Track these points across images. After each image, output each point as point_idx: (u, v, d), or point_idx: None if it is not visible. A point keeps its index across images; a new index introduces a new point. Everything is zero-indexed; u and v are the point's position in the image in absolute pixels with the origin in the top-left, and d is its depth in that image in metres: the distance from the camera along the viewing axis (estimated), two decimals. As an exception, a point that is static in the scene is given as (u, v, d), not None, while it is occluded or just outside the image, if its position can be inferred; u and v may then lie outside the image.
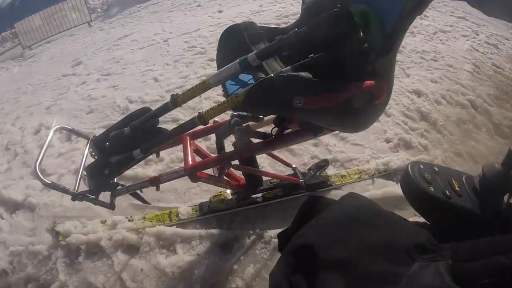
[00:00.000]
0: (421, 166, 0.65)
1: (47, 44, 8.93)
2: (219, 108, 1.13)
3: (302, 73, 0.97)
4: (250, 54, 1.06)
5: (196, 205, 1.92)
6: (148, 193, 1.56)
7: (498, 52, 3.92)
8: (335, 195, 1.90)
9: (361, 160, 2.15)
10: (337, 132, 2.34)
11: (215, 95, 3.05)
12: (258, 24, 1.34)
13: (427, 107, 2.67)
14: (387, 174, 2.01)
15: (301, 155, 2.22)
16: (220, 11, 5.76)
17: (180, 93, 1.21)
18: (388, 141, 2.32)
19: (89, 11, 9.70)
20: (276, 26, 1.42)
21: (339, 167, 2.13)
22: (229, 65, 1.09)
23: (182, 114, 2.86)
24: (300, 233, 0.70)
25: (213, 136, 2.36)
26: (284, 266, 0.67)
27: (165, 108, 1.25)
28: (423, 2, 0.91)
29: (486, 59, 3.72)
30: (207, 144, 2.40)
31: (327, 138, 2.32)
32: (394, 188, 1.88)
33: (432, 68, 3.34)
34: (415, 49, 3.65)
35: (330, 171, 2.00)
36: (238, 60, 1.07)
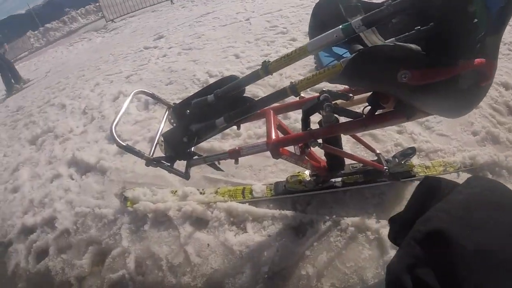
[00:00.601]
0: None
1: (130, 18, 9.48)
2: (314, 79, 1.05)
3: (411, 45, 0.85)
4: (355, 20, 0.95)
5: (271, 184, 1.85)
6: (223, 167, 1.51)
7: None
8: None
9: (446, 152, 1.97)
10: (422, 120, 2.17)
11: (297, 74, 2.97)
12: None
13: None
14: (473, 168, 1.83)
15: (384, 142, 2.07)
16: None
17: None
18: (475, 134, 2.12)
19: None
20: (371, 1, 1.29)
21: (423, 157, 1.95)
22: (331, 31, 0.98)
23: (262, 92, 2.83)
24: (426, 218, 0.60)
25: (293, 115, 2.37)
26: (408, 257, 0.57)
27: (255, 76, 1.17)
28: None
29: None
30: (287, 123, 2.33)
31: (411, 126, 2.16)
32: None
33: None
34: (503, 40, 3.27)
35: (414, 161, 1.84)
36: (341, 26, 0.96)
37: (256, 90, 2.84)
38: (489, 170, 1.82)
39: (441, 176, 1.77)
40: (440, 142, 2.03)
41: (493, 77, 1.01)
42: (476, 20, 0.85)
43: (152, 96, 1.55)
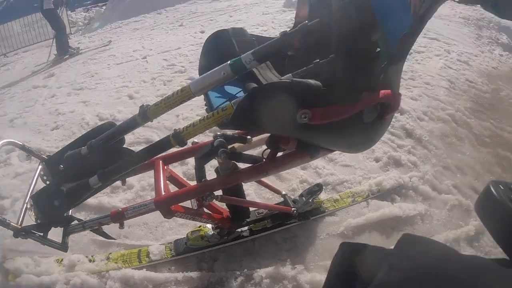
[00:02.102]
0: (501, 186, 0.49)
1: (24, 53, 8.57)
2: (201, 125, 0.91)
3: (310, 80, 0.77)
4: (245, 54, 0.85)
5: (171, 243, 1.62)
6: (112, 226, 1.26)
7: (470, 68, 4.11)
8: (330, 222, 1.72)
9: (352, 182, 2.02)
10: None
11: (195, 115, 2.84)
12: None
13: (411, 124, 2.68)
14: (381, 194, 1.90)
15: (289, 180, 2.03)
16: (202, 32, 5.71)
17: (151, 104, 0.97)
18: (377, 160, 2.24)
19: (70, 24, 9.36)
20: (264, 36, 1.24)
21: (330, 190, 1.95)
22: (217, 68, 0.87)
23: (157, 135, 2.61)
24: None
25: (191, 161, 2.01)
26: None
27: (133, 123, 0.99)
28: (435, 4, 0.78)
29: (460, 75, 3.87)
30: (184, 169, 2.14)
31: (315, 161, 2.16)
32: (391, 209, 1.78)
33: (411, 87, 3.42)
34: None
35: (322, 196, 1.81)
36: (229, 62, 0.85)
37: (150, 134, 2.63)
38: (396, 193, 1.90)
39: (350, 207, 1.78)
40: (345, 173, 2.07)
41: (398, 106, 0.98)
42: (379, 49, 0.82)
43: (23, 148, 1.30)
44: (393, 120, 2.64)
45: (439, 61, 4.13)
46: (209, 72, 0.88)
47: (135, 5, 9.24)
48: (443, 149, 2.49)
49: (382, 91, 0.85)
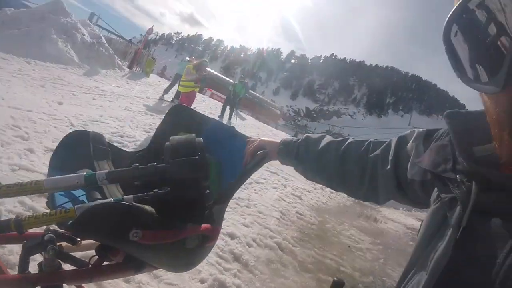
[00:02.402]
0: None
1: None
2: (44, 219, 0.90)
3: (147, 207, 0.88)
4: (100, 172, 0.93)
5: None
6: None
7: (301, 202, 4.76)
8: None
9: (173, 302, 1.94)
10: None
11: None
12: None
13: (239, 249, 2.83)
14: None
15: (110, 292, 1.82)
16: (60, 103, 5.12)
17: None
18: (203, 281, 2.25)
19: None
20: (121, 148, 1.32)
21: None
22: (73, 175, 0.92)
23: None
24: None
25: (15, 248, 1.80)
26: None
27: None
28: (260, 163, 1.00)
29: (291, 207, 4.43)
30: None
31: (140, 275, 2.06)
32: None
33: (245, 214, 3.69)
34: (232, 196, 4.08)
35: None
36: (85, 174, 0.92)
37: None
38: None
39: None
40: (169, 292, 1.99)
41: (217, 238, 1.10)
42: (208, 191, 0.95)
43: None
44: (223, 244, 2.81)
45: (275, 193, 4.67)
46: (65, 176, 0.92)
47: (12, 40, 7.98)
48: (268, 274, 2.66)
49: (204, 225, 0.99)
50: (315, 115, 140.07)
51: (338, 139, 0.86)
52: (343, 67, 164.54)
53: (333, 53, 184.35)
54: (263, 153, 0.97)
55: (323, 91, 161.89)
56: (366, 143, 0.78)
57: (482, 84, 0.40)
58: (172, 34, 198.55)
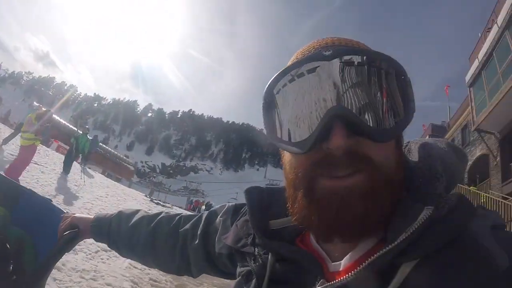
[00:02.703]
0: None
1: None
2: None
3: None
4: None
5: None
6: None
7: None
8: None
9: None
10: None
11: None
12: None
13: None
14: None
15: None
16: None
17: None
18: None
19: None
20: None
21: None
22: None
23: None
24: None
25: None
26: None
27: None
28: (70, 244, 0.90)
29: (144, 274, 4.09)
30: None
31: None
32: None
33: None
34: (76, 268, 3.50)
35: None
36: None
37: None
38: None
39: None
40: None
41: None
42: (15, 277, 0.85)
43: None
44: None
45: (125, 261, 4.26)
46: None
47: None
48: None
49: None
50: (171, 171, 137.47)
51: (150, 213, 0.85)
52: (201, 123, 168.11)
53: (191, 109, 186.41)
54: (72, 233, 0.87)
55: (180, 147, 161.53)
56: (177, 218, 0.79)
57: (290, 144, 0.45)
58: (23, 73, 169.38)
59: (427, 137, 17.17)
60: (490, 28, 12.28)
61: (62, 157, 13.63)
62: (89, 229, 0.87)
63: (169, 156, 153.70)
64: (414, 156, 0.51)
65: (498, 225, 0.44)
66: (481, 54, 12.78)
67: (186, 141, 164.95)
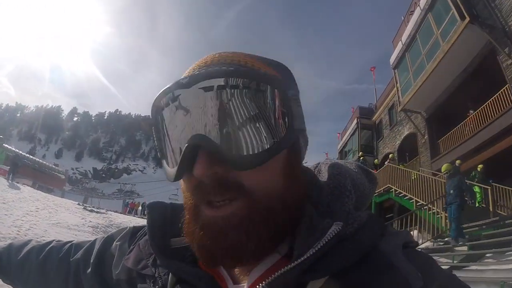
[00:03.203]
0: None
1: None
2: None
3: None
4: None
5: None
6: None
7: None
8: None
9: None
10: None
11: None
12: None
13: None
14: None
15: None
16: None
17: None
18: None
19: None
20: None
21: None
22: None
23: None
24: None
25: None
26: None
27: None
28: None
29: None
30: None
31: None
32: None
33: None
34: None
35: None
36: None
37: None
38: None
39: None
40: None
41: None
42: None
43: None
44: None
45: None
46: None
47: None
48: None
49: None
50: (104, 175, 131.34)
51: (41, 243, 0.77)
52: (129, 123, 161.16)
53: (117, 109, 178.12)
54: None
55: (110, 149, 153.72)
56: (67, 246, 0.73)
57: (166, 165, 0.46)
58: None
59: (356, 119, 17.95)
60: (413, 11, 12.74)
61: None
62: None
63: (99, 160, 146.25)
64: (323, 176, 0.50)
65: (409, 244, 0.43)
66: (405, 37, 13.27)
67: (115, 143, 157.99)
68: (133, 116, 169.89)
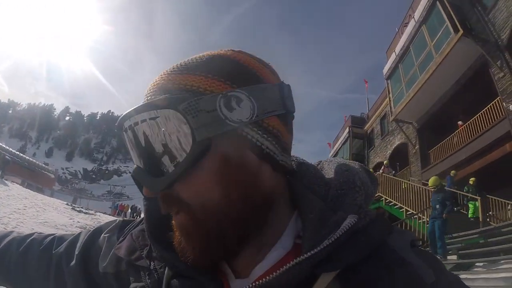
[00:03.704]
0: None
1: None
2: None
3: None
4: None
5: None
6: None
7: None
8: None
9: None
10: None
11: None
12: None
13: None
14: None
15: None
16: None
17: None
18: None
19: None
20: None
21: None
22: None
23: None
24: None
25: None
26: None
27: None
28: None
29: None
30: None
31: None
32: None
33: None
34: None
35: None
36: None
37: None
38: None
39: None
40: None
41: None
42: None
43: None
44: None
45: None
46: None
47: None
48: None
49: None
50: (94, 176, 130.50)
51: (22, 235, 0.74)
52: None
53: (110, 110, 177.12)
54: None
55: (101, 150, 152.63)
56: (49, 238, 0.70)
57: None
58: None
59: (347, 128, 17.98)
60: (407, 23, 12.98)
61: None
62: None
63: (90, 161, 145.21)
64: (328, 173, 0.51)
65: (415, 243, 0.44)
66: (398, 48, 13.48)
67: (107, 144, 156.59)
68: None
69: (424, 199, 9.03)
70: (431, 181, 7.34)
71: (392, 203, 10.85)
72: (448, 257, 6.59)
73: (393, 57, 14.11)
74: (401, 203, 10.22)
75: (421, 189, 9.60)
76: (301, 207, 0.45)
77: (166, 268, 0.48)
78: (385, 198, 11.34)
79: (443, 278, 0.39)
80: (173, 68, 0.47)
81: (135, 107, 0.45)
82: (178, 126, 0.42)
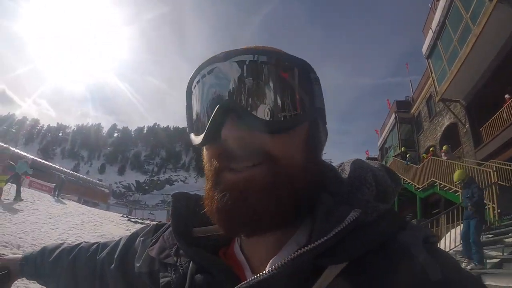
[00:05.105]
0: None
1: None
2: None
3: None
4: None
5: None
6: None
7: None
8: None
9: None
10: None
11: None
12: None
13: None
14: None
15: None
16: None
17: None
18: None
19: None
20: None
21: None
22: None
23: None
24: None
25: None
26: None
27: None
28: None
29: None
30: None
31: None
32: None
33: None
34: None
35: None
36: None
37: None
38: None
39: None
40: None
41: None
42: None
43: None
44: None
45: None
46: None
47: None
48: None
49: None
50: (146, 187, 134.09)
51: (72, 244, 0.85)
52: (168, 135, 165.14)
53: (155, 122, 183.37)
54: (2, 275, 0.83)
55: (151, 162, 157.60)
56: (95, 246, 0.79)
57: (194, 136, 0.49)
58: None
59: (393, 114, 17.06)
60: (440, -3, 12.27)
61: (36, 192, 14.49)
62: (19, 268, 0.86)
63: (141, 173, 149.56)
64: (346, 173, 0.51)
65: (430, 239, 0.43)
66: (434, 24, 12.79)
67: (156, 155, 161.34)
68: (171, 128, 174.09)
69: (480, 180, 8.49)
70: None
71: (447, 188, 10.32)
72: (509, 240, 6.17)
73: (430, 34, 13.39)
74: (456, 187, 9.70)
75: (476, 169, 9.04)
76: (315, 204, 0.45)
77: (191, 264, 0.50)
78: (439, 183, 10.83)
79: (456, 277, 0.38)
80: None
81: (263, 49, 0.47)
82: (306, 85, 0.46)
